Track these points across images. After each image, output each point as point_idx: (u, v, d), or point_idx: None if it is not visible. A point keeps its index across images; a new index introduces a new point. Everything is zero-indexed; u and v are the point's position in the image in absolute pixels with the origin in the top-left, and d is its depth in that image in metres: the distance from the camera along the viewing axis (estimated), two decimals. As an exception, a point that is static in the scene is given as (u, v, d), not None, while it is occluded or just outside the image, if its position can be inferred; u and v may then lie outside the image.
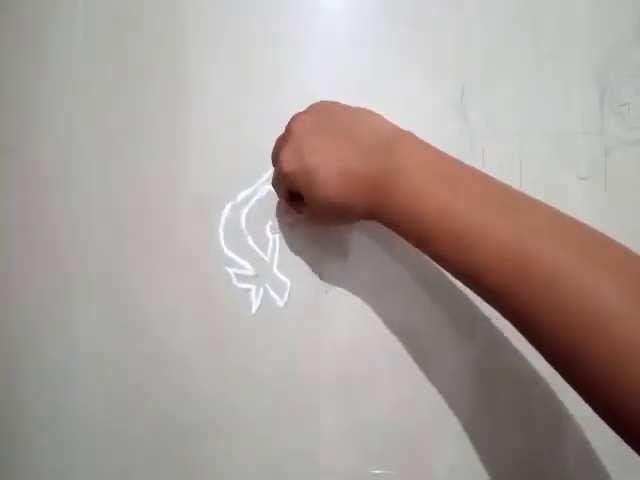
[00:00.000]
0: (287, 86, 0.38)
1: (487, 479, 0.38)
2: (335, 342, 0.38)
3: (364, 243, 0.38)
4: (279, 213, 0.38)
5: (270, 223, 0.38)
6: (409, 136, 0.29)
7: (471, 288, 0.27)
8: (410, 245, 0.37)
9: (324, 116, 0.32)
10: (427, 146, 0.29)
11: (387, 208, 0.28)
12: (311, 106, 0.33)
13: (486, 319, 0.38)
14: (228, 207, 0.38)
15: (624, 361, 0.20)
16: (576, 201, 0.38)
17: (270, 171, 0.38)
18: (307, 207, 0.32)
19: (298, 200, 0.32)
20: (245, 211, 0.38)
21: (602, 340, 0.21)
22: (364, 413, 0.38)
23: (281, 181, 0.33)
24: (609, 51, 0.38)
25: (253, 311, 0.38)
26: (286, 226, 0.38)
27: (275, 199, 0.38)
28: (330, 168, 0.29)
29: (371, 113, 0.31)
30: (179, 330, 0.38)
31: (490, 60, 0.38)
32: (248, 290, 0.38)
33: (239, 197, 0.38)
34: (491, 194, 0.26)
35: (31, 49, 0.39)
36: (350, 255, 0.38)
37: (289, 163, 0.31)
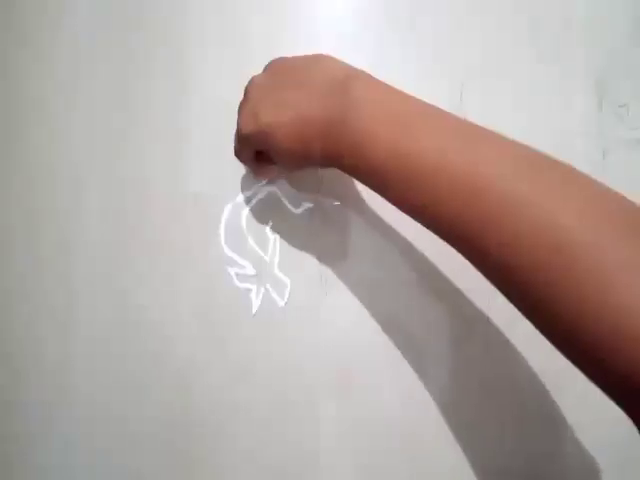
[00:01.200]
0: (287, 86, 0.38)
1: (487, 479, 0.38)
2: (335, 342, 0.38)
3: (364, 243, 0.38)
4: (251, 175, 0.38)
5: (270, 223, 0.38)
6: (363, 75, 0.28)
7: (430, 228, 0.26)
8: (410, 246, 0.37)
9: (278, 72, 0.32)
10: (380, 83, 0.28)
11: (342, 152, 0.27)
12: (266, 65, 0.33)
13: (485, 319, 0.38)
14: (228, 207, 0.38)
15: (588, 290, 0.20)
16: (576, 201, 0.38)
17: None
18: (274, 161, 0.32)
19: (266, 156, 0.33)
20: (245, 211, 0.38)
21: (563, 268, 0.20)
22: (364, 413, 0.38)
23: (243, 144, 0.33)
24: (608, 51, 0.38)
25: (253, 311, 0.38)
26: (287, 226, 0.38)
27: (275, 199, 0.38)
28: (283, 122, 0.29)
29: (326, 57, 0.31)
30: (179, 330, 0.38)
31: (490, 60, 0.38)
32: (248, 290, 0.38)
33: (239, 197, 0.38)
34: (444, 128, 0.25)
35: (31, 49, 0.39)
36: (350, 255, 0.38)
37: (246, 125, 0.31)
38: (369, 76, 0.28)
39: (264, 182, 0.38)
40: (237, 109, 0.34)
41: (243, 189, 0.38)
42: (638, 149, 0.39)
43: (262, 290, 0.38)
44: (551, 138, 0.38)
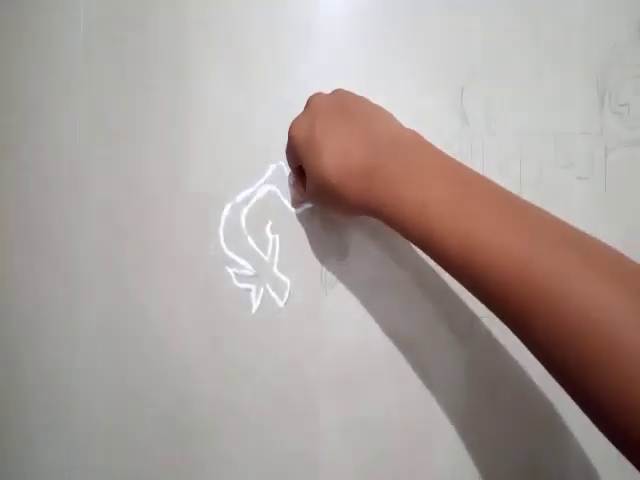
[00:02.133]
0: (287, 86, 0.38)
1: (487, 479, 0.38)
2: (335, 342, 0.38)
3: (364, 243, 0.38)
4: (290, 190, 0.38)
5: (270, 223, 0.38)
6: (414, 135, 0.29)
7: (470, 290, 0.27)
8: (410, 246, 0.37)
9: (343, 102, 0.32)
10: (431, 146, 0.29)
11: (386, 201, 0.28)
12: (335, 90, 0.34)
13: (485, 319, 0.38)
14: (228, 207, 0.38)
15: (627, 370, 0.20)
16: (576, 201, 0.38)
17: (270, 171, 0.38)
18: (307, 181, 0.32)
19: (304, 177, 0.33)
20: (245, 211, 0.38)
21: (604, 349, 0.21)
22: (364, 413, 0.38)
23: (288, 148, 0.33)
24: (609, 51, 0.38)
25: (253, 311, 0.38)
26: (287, 226, 0.38)
27: (275, 199, 0.38)
28: (334, 148, 0.29)
29: (386, 112, 0.32)
30: (179, 330, 0.38)
31: (490, 60, 0.38)
32: (248, 290, 0.38)
33: (239, 197, 0.38)
34: (494, 199, 0.26)
35: (32, 49, 0.39)
36: (350, 255, 0.38)
37: (299, 130, 0.31)
38: (420, 137, 0.29)
39: (262, 181, 0.38)
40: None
41: (243, 189, 0.38)
42: (639, 149, 0.38)
43: (262, 290, 0.38)
44: (551, 138, 0.38)
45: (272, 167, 0.38)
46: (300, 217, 0.38)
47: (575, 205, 0.38)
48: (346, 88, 0.38)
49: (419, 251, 0.37)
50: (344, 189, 0.29)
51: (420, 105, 0.38)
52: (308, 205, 0.38)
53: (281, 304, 0.38)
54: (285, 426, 0.38)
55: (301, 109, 0.37)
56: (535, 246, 0.23)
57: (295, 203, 0.38)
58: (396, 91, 0.38)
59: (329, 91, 0.36)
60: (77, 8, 0.39)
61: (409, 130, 0.30)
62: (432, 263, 0.37)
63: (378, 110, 0.32)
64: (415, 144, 0.29)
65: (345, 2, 0.38)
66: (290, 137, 0.32)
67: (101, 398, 0.39)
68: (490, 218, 0.25)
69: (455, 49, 0.38)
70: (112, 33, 0.39)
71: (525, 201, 0.26)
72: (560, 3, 0.38)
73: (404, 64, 0.38)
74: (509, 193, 0.26)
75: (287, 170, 0.38)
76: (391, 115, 0.32)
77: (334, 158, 0.29)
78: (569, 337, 0.22)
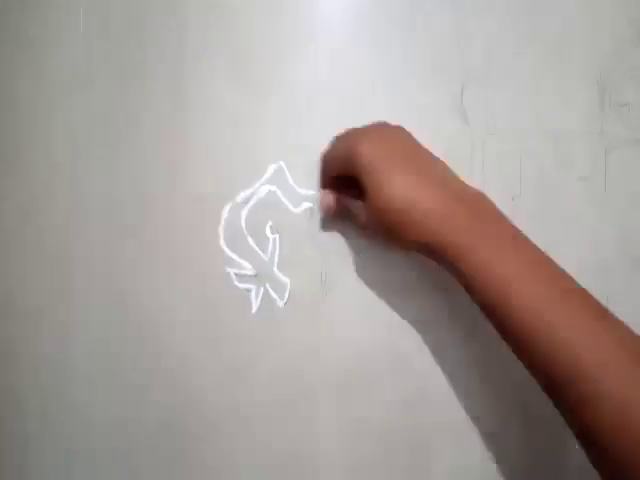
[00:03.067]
0: (287, 86, 0.38)
1: (487, 479, 0.38)
2: (335, 342, 0.38)
3: (364, 243, 0.38)
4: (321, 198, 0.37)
5: (270, 223, 0.38)
6: (488, 200, 0.30)
7: (518, 356, 0.28)
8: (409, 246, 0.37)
9: (412, 140, 0.32)
10: (506, 218, 0.30)
11: (456, 251, 0.28)
12: (397, 126, 0.34)
13: (486, 319, 0.38)
14: (228, 207, 0.38)
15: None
16: (576, 201, 0.38)
17: (270, 171, 0.38)
18: (363, 202, 0.31)
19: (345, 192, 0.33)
20: (245, 211, 0.38)
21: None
22: (364, 413, 0.38)
23: (346, 159, 0.31)
24: (609, 51, 0.38)
25: (253, 311, 0.38)
26: (287, 226, 0.38)
27: (275, 199, 0.38)
28: (405, 181, 0.29)
29: (445, 163, 0.33)
30: (179, 330, 0.38)
31: (490, 60, 0.38)
32: (248, 290, 0.38)
33: (239, 197, 0.38)
34: (578, 303, 0.27)
35: (31, 49, 0.39)
36: (350, 255, 0.38)
37: (370, 147, 0.30)
38: (496, 209, 0.30)
39: (262, 181, 0.38)
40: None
41: (242, 189, 0.38)
42: (639, 149, 0.38)
43: (262, 290, 0.38)
44: (551, 138, 0.38)
45: (272, 167, 0.38)
46: (300, 217, 0.38)
47: (575, 205, 0.38)
48: (346, 88, 0.38)
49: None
50: (408, 226, 0.29)
51: (420, 105, 0.38)
52: (308, 205, 0.38)
53: (281, 304, 0.38)
54: (285, 426, 0.38)
55: (300, 109, 0.37)
56: (605, 355, 0.24)
57: (323, 209, 0.37)
58: (396, 91, 0.38)
59: (329, 92, 0.36)
60: (77, 8, 0.39)
61: (479, 192, 0.31)
62: (431, 263, 0.37)
63: (439, 160, 0.32)
64: (485, 205, 0.30)
65: (345, 2, 0.38)
66: (355, 152, 0.30)
67: (101, 398, 0.39)
68: (573, 326, 0.25)
69: (455, 49, 0.38)
70: (112, 33, 0.39)
71: (596, 302, 0.27)
72: (560, 3, 0.38)
73: (404, 64, 0.38)
74: (582, 289, 0.27)
75: (287, 170, 0.38)
76: (450, 169, 0.32)
77: (404, 191, 0.29)
78: (607, 434, 0.24)
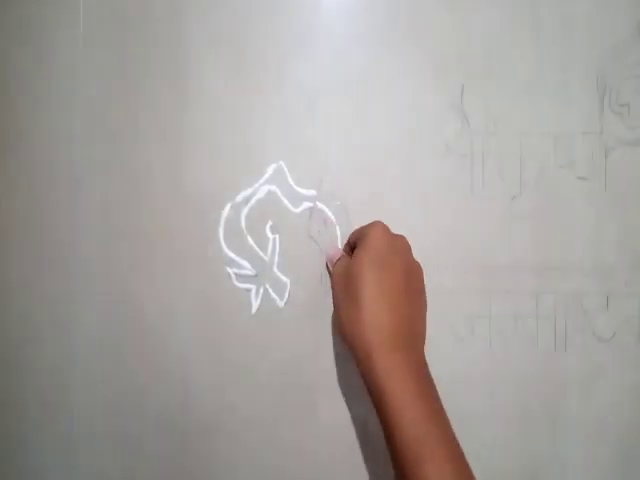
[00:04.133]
0: (287, 86, 0.38)
1: (487, 479, 0.38)
2: (335, 342, 0.38)
3: (364, 243, 0.38)
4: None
5: (270, 223, 0.38)
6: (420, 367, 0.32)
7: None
8: (409, 246, 0.37)
9: (409, 273, 0.34)
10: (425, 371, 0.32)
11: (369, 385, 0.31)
12: (397, 238, 0.34)
13: (486, 319, 0.38)
14: (228, 207, 0.38)
15: None
16: (576, 201, 0.38)
17: (270, 171, 0.38)
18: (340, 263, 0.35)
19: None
20: (245, 211, 0.38)
21: None
22: (363, 413, 0.38)
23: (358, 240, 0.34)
24: (609, 51, 0.38)
25: (253, 311, 0.38)
26: (287, 226, 0.38)
27: (275, 199, 0.38)
28: (380, 292, 0.31)
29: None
30: (179, 330, 0.38)
31: (490, 60, 0.38)
32: (248, 290, 0.38)
33: (239, 197, 0.38)
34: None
35: (31, 49, 0.39)
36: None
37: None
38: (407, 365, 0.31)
39: (262, 181, 0.38)
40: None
41: (243, 189, 0.38)
42: (639, 149, 0.38)
43: (262, 290, 0.38)
44: (551, 138, 0.38)
45: (272, 167, 0.38)
46: (300, 217, 0.38)
47: (575, 205, 0.38)
48: (346, 88, 0.38)
49: (419, 251, 0.37)
50: (366, 315, 0.31)
51: (420, 105, 0.38)
52: (308, 205, 0.38)
53: (281, 304, 0.38)
54: (285, 425, 0.38)
55: (301, 109, 0.38)
56: None
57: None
58: (396, 91, 0.38)
59: (329, 92, 0.36)
60: (77, 8, 0.39)
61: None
62: (432, 263, 0.37)
63: (425, 303, 0.35)
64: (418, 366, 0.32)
65: (345, 2, 0.38)
66: (368, 243, 0.33)
67: (101, 398, 0.39)
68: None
69: (455, 49, 0.38)
70: (112, 33, 0.39)
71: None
72: (560, 2, 0.38)
73: (404, 64, 0.38)
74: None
75: (287, 170, 0.38)
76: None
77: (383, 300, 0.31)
78: None
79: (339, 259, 0.36)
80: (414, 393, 0.29)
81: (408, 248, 0.34)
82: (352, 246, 0.36)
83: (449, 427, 0.30)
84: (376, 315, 0.31)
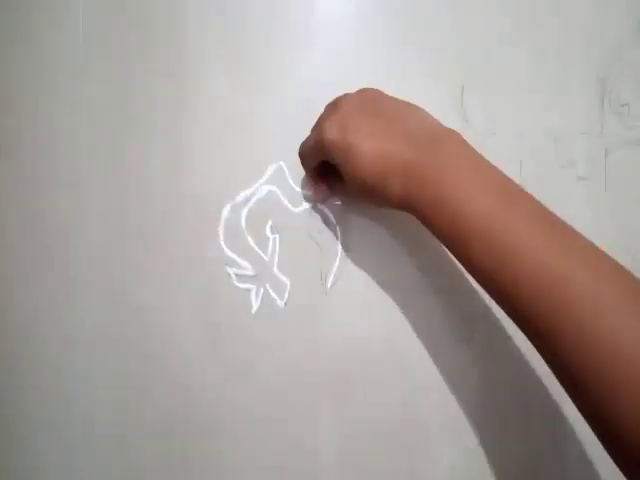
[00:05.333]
0: (287, 86, 0.38)
1: (487, 479, 0.38)
2: (335, 342, 0.38)
3: (364, 243, 0.38)
4: (304, 186, 0.38)
5: (270, 223, 0.38)
6: (456, 136, 0.29)
7: (499, 303, 0.26)
8: (410, 246, 0.37)
9: (373, 101, 0.32)
10: (473, 150, 0.29)
11: (424, 201, 0.27)
12: (361, 89, 0.34)
13: (486, 318, 0.38)
14: (228, 207, 0.38)
15: (627, 378, 0.21)
16: (576, 201, 0.38)
17: (270, 171, 0.38)
18: (341, 181, 0.32)
19: (328, 174, 0.33)
20: (245, 211, 0.38)
21: (636, 380, 0.21)
22: (364, 413, 0.38)
23: (317, 149, 0.33)
24: (609, 51, 0.38)
25: (253, 311, 0.38)
26: (287, 226, 0.38)
27: (275, 199, 0.38)
28: (371, 149, 0.29)
29: (419, 107, 0.32)
30: (179, 330, 0.38)
31: (490, 60, 0.38)
32: (248, 290, 0.38)
33: (239, 197, 0.38)
34: (533, 212, 0.26)
35: (31, 49, 0.39)
36: (350, 255, 0.38)
37: (331, 132, 0.31)
38: (460, 137, 0.29)
39: (262, 181, 0.38)
40: (319, 116, 0.34)
41: (243, 189, 0.38)
42: (639, 149, 0.38)
43: (262, 290, 0.38)
44: (552, 138, 0.38)
45: (272, 167, 0.38)
46: (300, 217, 0.38)
47: (575, 205, 0.38)
48: (346, 88, 0.38)
49: (419, 252, 0.37)
50: (384, 189, 0.29)
51: (420, 105, 0.38)
52: (308, 205, 0.38)
53: (281, 304, 0.38)
54: (285, 426, 0.38)
55: (300, 109, 0.37)
56: (571, 270, 0.24)
57: (319, 199, 0.38)
58: (396, 91, 0.38)
59: (329, 92, 0.36)
60: (77, 8, 0.39)
61: (449, 129, 0.30)
62: (431, 263, 0.37)
63: (410, 107, 0.32)
64: (456, 146, 0.29)
65: (344, 2, 0.38)
66: (320, 140, 0.31)
67: (101, 398, 0.39)
68: (528, 235, 0.25)
69: (455, 49, 0.38)
70: (112, 33, 0.39)
71: (563, 222, 0.26)
72: (560, 3, 0.38)
73: (404, 64, 0.38)
74: (548, 211, 0.26)
75: (287, 170, 0.38)
76: (425, 112, 0.32)
77: (371, 159, 0.29)
78: (596, 365, 0.22)
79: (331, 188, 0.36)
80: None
81: (339, 106, 0.32)
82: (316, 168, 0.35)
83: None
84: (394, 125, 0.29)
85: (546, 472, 0.38)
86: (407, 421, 0.38)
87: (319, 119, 0.35)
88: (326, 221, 0.38)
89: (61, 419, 0.39)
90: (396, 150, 0.29)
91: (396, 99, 0.33)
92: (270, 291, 0.38)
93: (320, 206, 0.38)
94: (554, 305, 0.23)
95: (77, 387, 0.39)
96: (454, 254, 0.28)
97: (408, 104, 0.32)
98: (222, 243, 0.38)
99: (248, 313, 0.38)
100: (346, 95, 0.33)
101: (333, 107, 0.33)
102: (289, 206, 0.38)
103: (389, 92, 0.38)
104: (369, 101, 0.32)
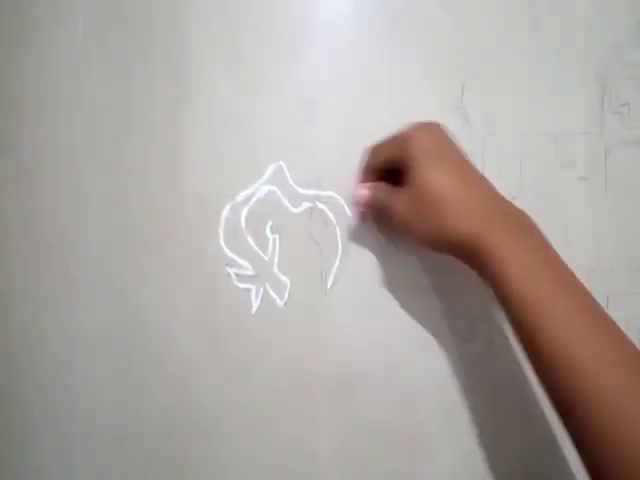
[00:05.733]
0: (287, 86, 0.38)
1: (487, 479, 0.38)
2: (335, 342, 0.38)
3: (364, 243, 0.38)
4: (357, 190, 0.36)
5: (270, 223, 0.38)
6: (535, 226, 0.30)
7: (534, 371, 0.27)
8: (410, 246, 0.37)
9: (462, 154, 0.32)
10: (547, 242, 0.29)
11: (489, 257, 0.27)
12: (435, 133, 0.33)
13: (486, 319, 0.38)
14: (228, 207, 0.38)
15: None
16: (576, 201, 0.38)
17: (270, 171, 0.38)
18: (402, 195, 0.31)
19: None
20: (245, 211, 0.38)
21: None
22: (364, 413, 0.38)
23: (399, 146, 0.31)
24: (609, 51, 0.38)
25: (253, 311, 0.38)
26: (287, 226, 0.38)
27: (275, 199, 0.38)
28: (459, 173, 0.29)
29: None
30: (179, 330, 0.38)
31: (490, 60, 0.38)
32: (248, 290, 0.38)
33: (239, 197, 0.38)
34: (597, 324, 0.26)
35: (31, 49, 0.39)
36: (350, 255, 0.38)
37: (425, 138, 0.30)
38: (539, 231, 0.29)
39: (262, 181, 0.38)
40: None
41: (243, 189, 0.38)
42: (639, 149, 0.38)
43: (262, 290, 0.38)
44: (552, 138, 0.38)
45: (272, 167, 0.38)
46: (300, 217, 0.38)
47: (575, 205, 0.38)
48: (346, 88, 0.38)
49: (419, 251, 0.37)
50: (451, 208, 0.28)
51: (420, 105, 0.38)
52: (308, 205, 0.38)
53: (281, 304, 0.38)
54: (285, 426, 0.38)
55: (300, 109, 0.37)
56: (612, 374, 0.24)
57: (362, 205, 0.35)
58: (396, 91, 0.38)
59: (329, 92, 0.36)
60: (77, 8, 0.39)
61: (519, 208, 0.30)
62: (431, 263, 0.37)
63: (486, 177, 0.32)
64: (528, 222, 0.29)
65: (345, 2, 0.38)
66: (411, 139, 0.30)
67: (101, 398, 0.39)
68: (587, 343, 0.25)
69: (455, 49, 0.38)
70: (112, 33, 0.39)
71: (614, 325, 0.26)
72: (560, 3, 0.38)
73: (404, 64, 0.38)
74: (604, 313, 0.26)
75: (287, 170, 0.38)
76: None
77: (455, 177, 0.29)
78: (616, 461, 0.23)
79: (383, 191, 0.33)
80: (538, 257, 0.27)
81: (441, 129, 0.32)
82: (378, 166, 0.33)
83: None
84: (464, 201, 0.28)
85: (546, 472, 0.38)
86: (407, 421, 0.38)
87: (406, 127, 0.32)
88: (326, 221, 0.38)
89: (61, 419, 0.39)
90: (479, 193, 0.29)
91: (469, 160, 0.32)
92: (270, 291, 0.38)
93: (320, 206, 0.38)
94: (588, 402, 0.24)
95: (77, 387, 0.39)
96: (507, 316, 0.28)
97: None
98: (222, 243, 0.38)
99: (248, 313, 0.38)
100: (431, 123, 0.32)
101: (423, 124, 0.32)
102: (289, 206, 0.38)
103: (389, 92, 0.38)
104: (451, 145, 0.32)
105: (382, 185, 0.33)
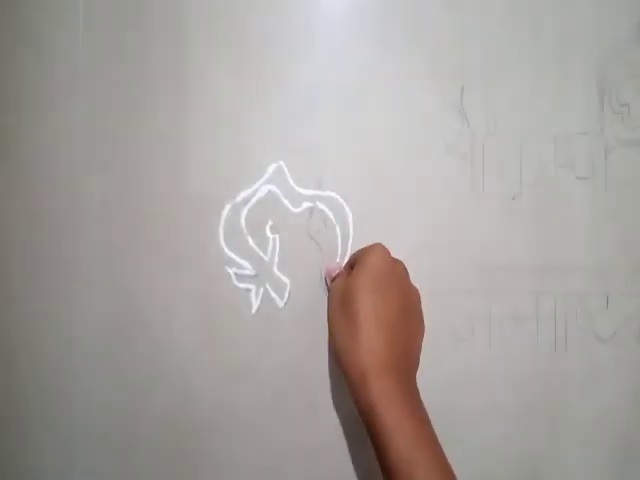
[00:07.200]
0: (287, 86, 0.38)
1: (487, 479, 0.38)
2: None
3: (364, 243, 0.38)
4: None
5: (270, 223, 0.38)
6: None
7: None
8: (410, 245, 0.37)
9: (405, 297, 0.34)
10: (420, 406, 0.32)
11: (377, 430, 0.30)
12: (396, 263, 0.35)
13: (486, 319, 0.38)
14: (228, 207, 0.38)
15: None
16: (576, 201, 0.38)
17: (270, 171, 0.38)
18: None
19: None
20: (245, 211, 0.38)
21: None
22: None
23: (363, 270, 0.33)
24: (609, 51, 0.38)
25: (253, 311, 0.38)
26: (287, 226, 0.38)
27: (275, 199, 0.38)
28: (376, 317, 0.32)
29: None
30: (179, 330, 0.38)
31: (490, 60, 0.38)
32: (248, 290, 0.38)
33: (239, 197, 0.38)
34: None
35: (31, 49, 0.39)
36: (350, 255, 0.38)
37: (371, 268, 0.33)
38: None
39: (262, 181, 0.38)
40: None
41: (243, 189, 0.38)
42: (639, 149, 0.38)
43: (262, 290, 0.38)
44: (551, 138, 0.38)
45: (272, 167, 0.38)
46: (300, 217, 0.38)
47: (575, 205, 0.38)
48: (346, 88, 0.38)
49: (419, 251, 0.37)
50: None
51: (420, 105, 0.38)
52: (308, 205, 0.38)
53: (281, 304, 0.38)
54: (285, 426, 0.38)
55: (300, 109, 0.37)
56: None
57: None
58: (396, 91, 0.38)
59: (329, 92, 0.36)
60: (77, 8, 0.39)
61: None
62: (432, 263, 0.37)
63: (422, 329, 0.35)
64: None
65: (345, 2, 0.38)
66: (366, 263, 0.33)
67: (101, 398, 0.39)
68: None
69: (455, 49, 0.38)
70: (112, 33, 0.39)
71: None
72: (560, 3, 0.38)
73: (404, 64, 0.38)
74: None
75: (287, 170, 0.38)
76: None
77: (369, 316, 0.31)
78: None
79: (338, 275, 0.36)
80: (408, 417, 0.30)
81: (406, 274, 0.35)
82: (352, 264, 0.35)
83: (441, 451, 0.30)
84: (372, 340, 0.31)
85: (546, 472, 0.38)
86: (407, 421, 0.38)
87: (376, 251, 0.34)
88: (326, 221, 0.38)
89: (61, 419, 0.39)
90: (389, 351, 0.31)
91: (420, 312, 0.36)
92: (270, 291, 0.38)
93: (320, 206, 0.38)
94: None
95: (77, 387, 0.39)
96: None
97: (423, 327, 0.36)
98: (222, 243, 0.38)
99: (248, 313, 0.38)
100: (384, 259, 0.34)
101: (392, 264, 0.34)
102: (289, 206, 0.38)
103: (389, 92, 0.38)
104: (402, 296, 0.34)
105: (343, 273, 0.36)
